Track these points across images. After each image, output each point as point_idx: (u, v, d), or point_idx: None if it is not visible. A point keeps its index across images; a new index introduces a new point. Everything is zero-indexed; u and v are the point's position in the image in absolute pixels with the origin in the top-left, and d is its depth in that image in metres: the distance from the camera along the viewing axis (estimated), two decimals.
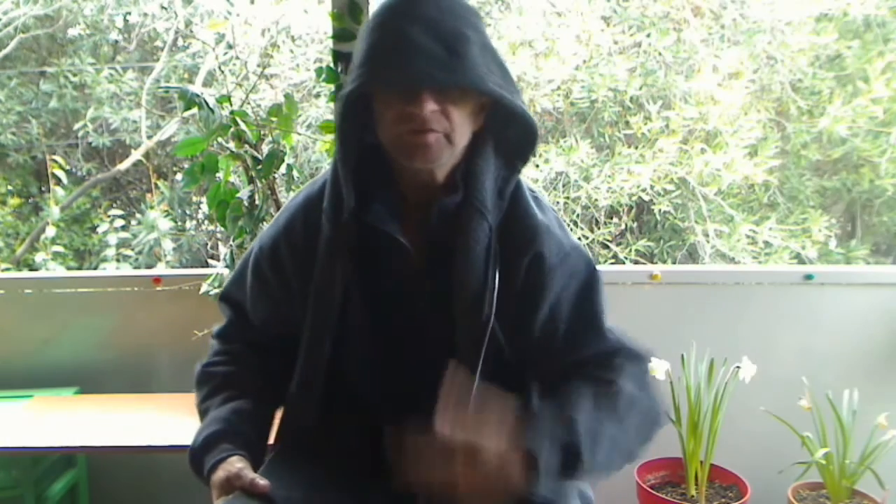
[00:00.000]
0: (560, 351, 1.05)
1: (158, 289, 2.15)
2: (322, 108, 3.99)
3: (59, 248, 4.21)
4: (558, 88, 4.02)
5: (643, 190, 3.91)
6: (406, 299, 1.06)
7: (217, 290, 1.95)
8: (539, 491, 0.90)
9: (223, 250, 3.74)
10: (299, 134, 2.62)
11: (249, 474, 0.98)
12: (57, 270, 4.05)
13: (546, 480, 0.89)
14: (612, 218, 4.25)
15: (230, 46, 4.07)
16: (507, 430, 0.89)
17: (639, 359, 1.07)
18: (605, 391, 1.00)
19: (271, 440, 1.16)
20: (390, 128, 0.96)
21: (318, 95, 4.15)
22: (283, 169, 1.91)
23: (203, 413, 1.12)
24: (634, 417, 1.01)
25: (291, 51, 4.36)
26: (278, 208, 1.90)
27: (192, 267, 4.39)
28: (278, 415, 1.17)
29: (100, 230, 4.35)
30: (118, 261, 4.09)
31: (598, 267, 1.11)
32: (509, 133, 1.03)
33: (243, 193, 1.90)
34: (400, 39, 0.91)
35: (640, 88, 4.01)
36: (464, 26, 0.93)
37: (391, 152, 0.99)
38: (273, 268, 1.11)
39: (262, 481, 0.97)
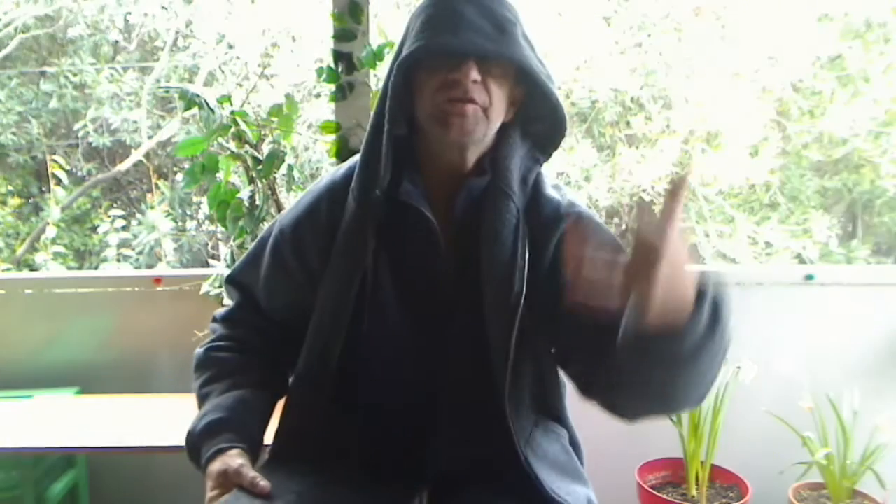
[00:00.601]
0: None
1: (159, 289, 2.15)
2: (322, 108, 3.99)
3: (60, 249, 4.22)
4: (559, 88, 4.01)
5: (644, 190, 3.91)
6: (433, 279, 1.06)
7: (218, 291, 1.95)
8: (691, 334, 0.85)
9: (224, 250, 3.74)
10: (300, 134, 2.62)
11: (250, 472, 0.96)
12: (57, 270, 4.05)
13: (709, 303, 0.87)
14: (612, 218, 4.25)
15: (230, 46, 4.07)
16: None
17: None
18: None
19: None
20: (432, 97, 0.98)
21: (318, 95, 4.15)
22: (283, 169, 1.91)
23: (203, 397, 1.08)
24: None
25: (292, 51, 4.36)
26: (279, 208, 1.90)
27: (192, 267, 4.40)
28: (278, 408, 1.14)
29: (100, 230, 4.35)
30: (119, 261, 4.09)
31: None
32: (536, 128, 1.08)
33: (244, 193, 1.90)
34: (452, 14, 0.97)
35: (641, 88, 4.01)
36: (509, 13, 1.00)
37: (427, 122, 1.01)
38: (295, 251, 1.10)
39: (263, 482, 0.95)
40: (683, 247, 0.80)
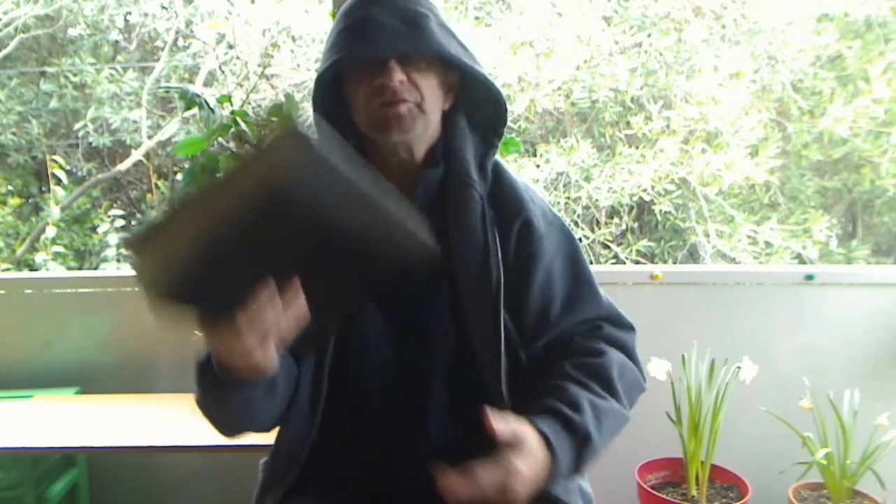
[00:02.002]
0: (558, 316, 1.07)
1: None
2: None
3: (60, 249, 4.21)
4: (559, 88, 4.01)
5: (644, 190, 3.90)
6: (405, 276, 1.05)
7: None
8: (560, 478, 0.92)
9: None
10: None
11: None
12: (57, 270, 4.05)
13: (565, 471, 0.92)
14: (612, 218, 4.24)
15: (231, 46, 4.07)
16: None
17: (626, 326, 1.11)
18: (596, 364, 1.03)
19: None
20: (364, 105, 1.00)
21: None
22: None
23: (206, 399, 0.98)
24: (624, 384, 1.04)
25: (292, 51, 4.36)
26: None
27: None
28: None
29: (100, 230, 4.34)
30: (118, 261, 4.08)
31: (599, 267, 1.12)
32: (482, 112, 1.09)
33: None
34: (362, 21, 0.99)
35: (641, 88, 4.00)
36: (419, 6, 1.01)
37: (367, 130, 1.02)
38: None
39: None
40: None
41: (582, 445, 0.94)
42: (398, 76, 0.97)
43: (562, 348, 1.07)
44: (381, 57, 0.97)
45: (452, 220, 1.03)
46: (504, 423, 0.87)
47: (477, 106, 1.09)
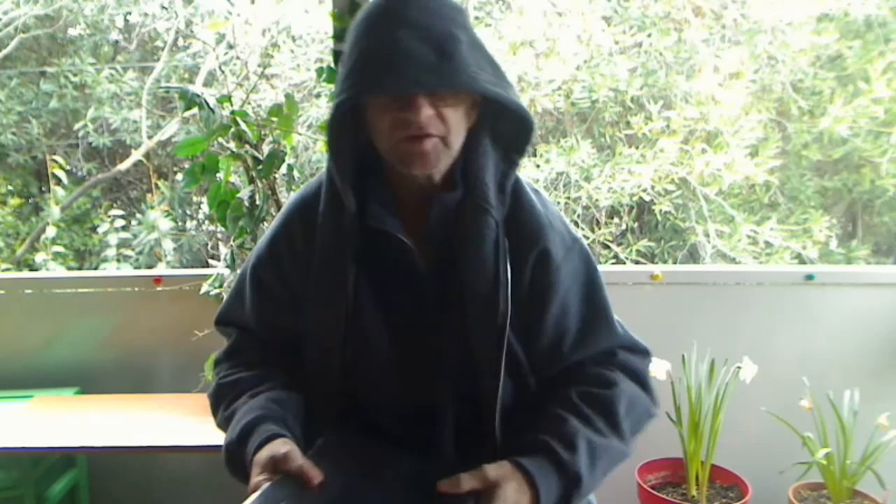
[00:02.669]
0: (571, 348, 1.05)
1: (159, 289, 2.15)
2: (323, 108, 3.99)
3: (60, 249, 4.21)
4: (559, 88, 4.02)
5: (644, 190, 3.90)
6: (414, 300, 1.03)
7: (218, 291, 1.95)
8: None
9: (224, 250, 3.74)
10: (300, 134, 2.62)
11: (300, 458, 0.90)
12: (57, 270, 4.05)
13: None
14: (612, 218, 4.25)
15: (230, 46, 4.07)
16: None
17: (641, 352, 1.08)
18: (604, 397, 1.01)
19: None
20: (388, 136, 0.94)
21: (318, 95, 4.14)
22: (283, 169, 1.91)
23: (228, 418, 1.01)
24: (632, 418, 1.02)
25: (292, 51, 4.36)
26: (279, 208, 1.90)
27: (192, 267, 4.39)
28: None
29: (100, 230, 4.35)
30: (118, 261, 4.08)
31: (599, 267, 1.11)
32: (504, 126, 1.02)
33: (244, 193, 1.90)
34: (389, 46, 0.89)
35: (641, 88, 4.00)
36: (452, 27, 0.92)
37: (389, 159, 0.98)
38: (276, 275, 1.08)
39: (315, 470, 0.89)
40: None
41: (570, 486, 0.94)
42: (426, 112, 0.91)
43: (571, 373, 1.05)
44: (407, 93, 0.90)
45: (464, 248, 1.00)
46: (469, 480, 0.89)
47: (501, 116, 1.01)
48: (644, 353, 1.09)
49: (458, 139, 0.97)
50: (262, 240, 1.13)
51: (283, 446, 0.91)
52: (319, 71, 1.98)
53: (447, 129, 0.94)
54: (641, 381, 1.06)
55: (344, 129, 0.98)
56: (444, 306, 1.02)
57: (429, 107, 0.91)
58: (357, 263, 1.02)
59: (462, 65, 0.91)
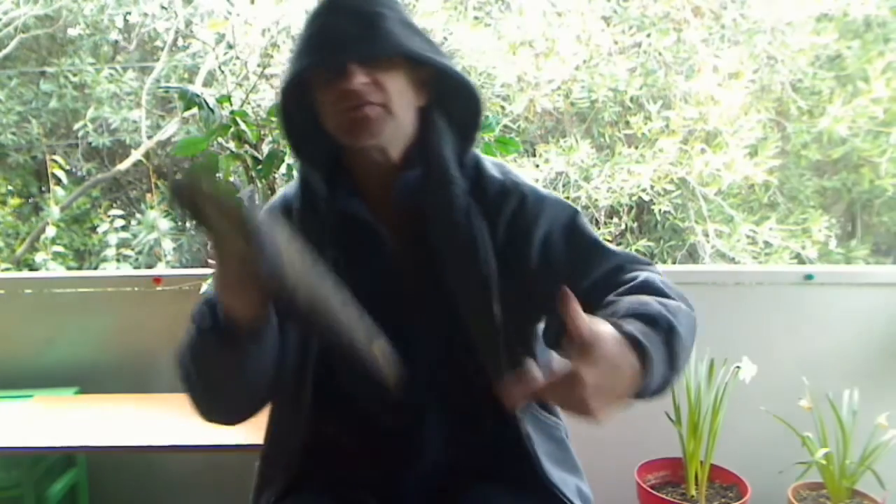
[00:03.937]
0: (571, 279, 0.95)
1: (159, 289, 2.16)
2: None
3: (59, 248, 4.21)
4: (558, 88, 4.01)
5: (643, 190, 3.90)
6: (392, 281, 1.04)
7: None
8: (651, 383, 0.81)
9: None
10: None
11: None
12: (57, 270, 4.05)
13: (660, 372, 0.82)
14: (612, 218, 4.25)
15: (230, 46, 4.07)
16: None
17: (644, 262, 1.03)
18: (639, 282, 0.95)
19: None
20: (331, 112, 0.99)
21: None
22: (283, 169, 1.91)
23: (191, 369, 0.97)
24: (675, 292, 0.96)
25: (292, 51, 4.35)
26: None
27: (192, 267, 4.39)
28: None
29: (100, 230, 4.34)
30: (118, 261, 4.08)
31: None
32: (458, 106, 1.06)
33: (243, 193, 1.90)
34: (321, 29, 0.99)
35: (641, 88, 4.00)
36: (379, 7, 0.99)
37: (337, 136, 1.01)
38: None
39: None
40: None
41: (670, 339, 0.84)
42: (359, 79, 0.95)
43: (592, 296, 0.93)
44: (336, 62, 0.96)
45: (433, 217, 1.02)
46: (580, 321, 0.74)
47: (453, 100, 1.05)
48: (651, 264, 1.04)
49: (401, 108, 1.00)
50: None
51: None
52: None
53: (387, 96, 0.98)
54: (659, 285, 0.97)
55: (297, 116, 1.04)
56: (425, 282, 1.03)
57: (362, 75, 0.96)
58: (334, 247, 1.03)
59: (386, 32, 0.97)
